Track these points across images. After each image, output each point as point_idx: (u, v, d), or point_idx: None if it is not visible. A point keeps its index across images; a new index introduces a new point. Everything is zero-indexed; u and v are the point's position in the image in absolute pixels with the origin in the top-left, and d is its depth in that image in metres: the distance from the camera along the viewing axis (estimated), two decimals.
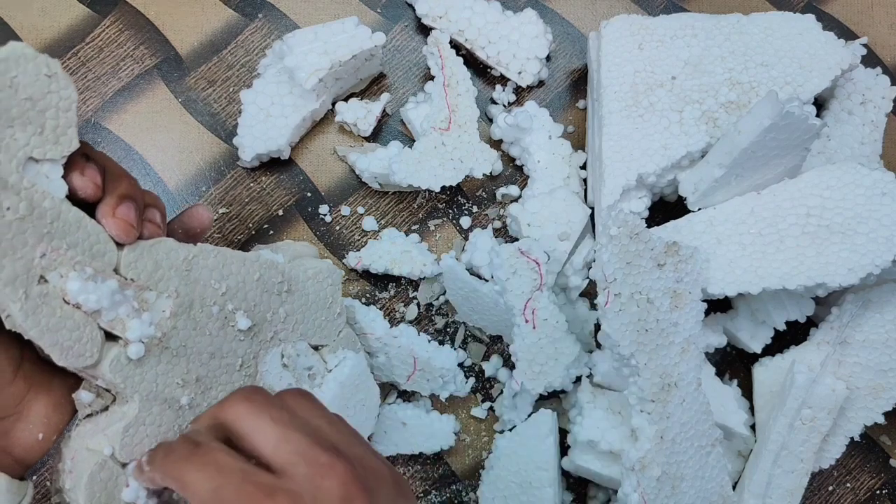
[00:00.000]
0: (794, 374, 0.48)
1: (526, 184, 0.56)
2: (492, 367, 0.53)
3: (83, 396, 0.36)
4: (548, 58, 0.58)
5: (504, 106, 0.58)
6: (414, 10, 0.58)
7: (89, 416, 0.37)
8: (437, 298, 0.54)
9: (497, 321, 0.51)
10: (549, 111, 0.55)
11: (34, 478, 0.50)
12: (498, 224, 0.55)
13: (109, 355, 0.35)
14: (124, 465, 0.36)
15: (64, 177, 0.33)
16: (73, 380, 0.37)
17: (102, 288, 0.34)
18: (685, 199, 0.51)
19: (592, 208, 0.54)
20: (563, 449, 0.51)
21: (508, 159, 0.57)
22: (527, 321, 0.48)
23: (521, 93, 0.58)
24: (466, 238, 0.55)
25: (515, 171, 0.57)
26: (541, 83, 0.58)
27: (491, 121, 0.57)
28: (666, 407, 0.44)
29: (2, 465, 0.34)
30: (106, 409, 0.37)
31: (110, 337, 0.35)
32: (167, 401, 0.37)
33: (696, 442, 0.45)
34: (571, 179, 0.54)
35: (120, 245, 0.35)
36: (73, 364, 0.34)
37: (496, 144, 0.57)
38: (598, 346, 0.51)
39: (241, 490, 0.29)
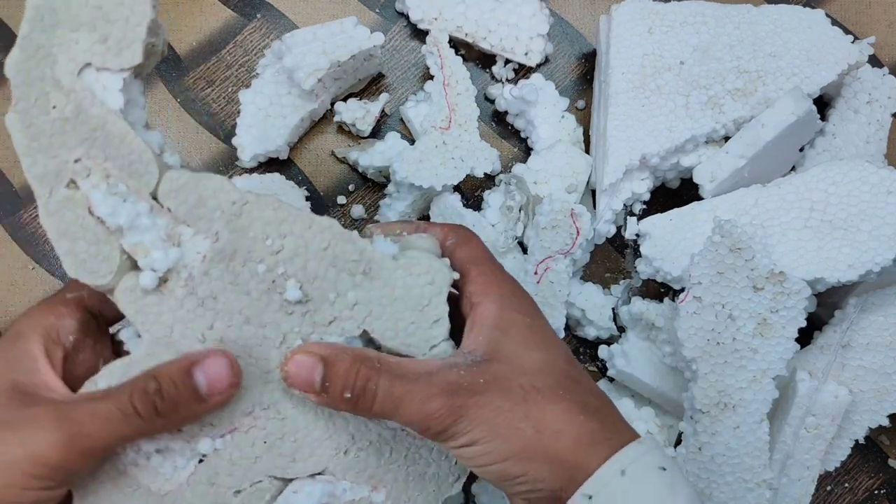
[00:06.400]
0: (796, 383, 0.48)
1: None
2: None
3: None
4: (546, 59, 0.58)
5: (507, 80, 0.58)
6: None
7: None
8: None
9: None
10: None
11: None
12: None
13: (126, 282, 0.33)
14: None
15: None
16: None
17: (128, 207, 0.32)
18: (700, 189, 0.51)
19: (594, 190, 0.54)
20: None
21: (508, 158, 0.57)
22: (535, 273, 0.48)
23: (521, 71, 0.58)
24: None
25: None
26: (546, 60, 0.58)
27: (491, 102, 0.57)
28: (714, 424, 0.44)
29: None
30: None
31: (137, 267, 0.33)
32: (178, 355, 0.33)
33: (739, 473, 0.45)
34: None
35: (163, 170, 0.33)
36: (84, 278, 0.33)
37: (501, 117, 0.57)
38: (620, 330, 0.52)
39: None
